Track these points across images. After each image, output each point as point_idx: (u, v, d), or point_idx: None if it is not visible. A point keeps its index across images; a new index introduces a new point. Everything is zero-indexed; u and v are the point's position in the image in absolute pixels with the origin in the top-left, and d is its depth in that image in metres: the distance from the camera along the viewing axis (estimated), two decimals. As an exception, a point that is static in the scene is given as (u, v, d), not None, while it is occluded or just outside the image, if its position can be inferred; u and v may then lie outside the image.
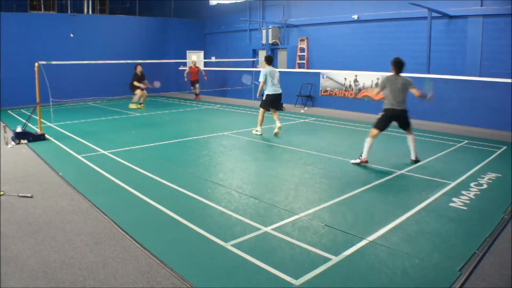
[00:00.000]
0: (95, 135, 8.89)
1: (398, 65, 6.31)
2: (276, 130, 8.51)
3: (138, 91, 13.08)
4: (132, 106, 13.36)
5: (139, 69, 13.21)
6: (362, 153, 6.28)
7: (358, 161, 6.26)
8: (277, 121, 8.55)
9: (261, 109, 8.46)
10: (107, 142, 8.06)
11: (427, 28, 11.23)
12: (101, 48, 16.48)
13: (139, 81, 13.12)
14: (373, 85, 11.85)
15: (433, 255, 3.39)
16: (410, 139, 6.48)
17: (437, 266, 3.23)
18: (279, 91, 8.40)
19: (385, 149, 7.49)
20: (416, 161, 6.43)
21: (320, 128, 9.89)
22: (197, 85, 16.17)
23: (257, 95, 8.74)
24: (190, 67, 16.05)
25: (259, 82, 8.49)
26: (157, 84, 13.71)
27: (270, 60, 8.48)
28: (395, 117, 6.32)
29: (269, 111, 8.56)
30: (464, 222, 4.13)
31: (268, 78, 8.24)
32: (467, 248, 3.51)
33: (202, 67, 17.06)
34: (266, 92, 8.30)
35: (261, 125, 8.43)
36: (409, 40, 12.43)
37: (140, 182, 5.42)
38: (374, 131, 6.27)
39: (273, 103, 8.45)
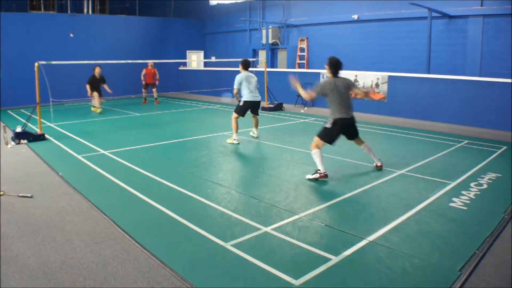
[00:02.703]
0: (95, 135, 8.89)
1: (337, 66, 5.57)
2: (252, 134, 8.47)
3: (95, 94, 12.37)
4: (98, 110, 12.49)
5: (97, 70, 12.36)
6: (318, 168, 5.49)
7: (317, 176, 5.42)
8: (255, 128, 8.40)
9: (235, 114, 7.83)
10: (107, 142, 8.06)
11: (427, 28, 11.23)
12: (101, 48, 16.47)
13: (93, 85, 12.25)
14: (373, 85, 11.86)
15: (433, 255, 3.39)
16: (366, 146, 5.96)
17: (437, 266, 3.23)
18: (258, 98, 7.94)
19: (385, 149, 7.49)
20: (381, 166, 5.95)
21: (320, 128, 9.87)
22: (154, 89, 14.75)
23: (235, 98, 8.14)
24: (146, 68, 14.59)
25: (233, 89, 7.94)
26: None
27: (246, 65, 7.91)
28: (346, 128, 5.62)
29: (243, 116, 7.98)
30: (464, 222, 4.12)
31: (244, 84, 7.74)
32: (467, 248, 3.51)
33: (202, 67, 16.94)
34: (243, 99, 7.79)
35: (236, 132, 7.81)
36: (409, 40, 12.44)
37: (140, 182, 5.42)
38: (320, 142, 5.57)
39: (251, 109, 8.00)
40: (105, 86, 12.62)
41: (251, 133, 8.51)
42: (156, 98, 14.91)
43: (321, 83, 5.59)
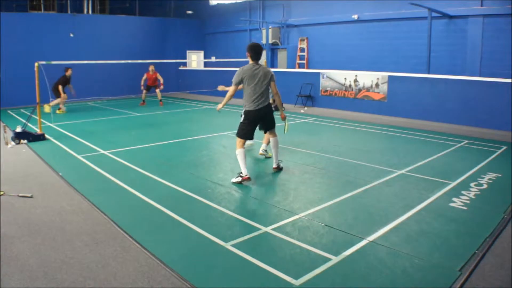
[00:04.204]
0: (95, 135, 8.88)
1: (256, 50, 5.35)
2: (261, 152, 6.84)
3: (62, 95, 12.23)
4: (53, 110, 12.16)
5: (69, 72, 12.25)
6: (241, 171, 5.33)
7: (239, 179, 5.28)
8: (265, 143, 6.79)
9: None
10: (107, 142, 8.06)
11: (427, 28, 11.24)
12: (101, 48, 16.47)
13: (64, 86, 12.17)
14: (373, 85, 11.85)
15: (433, 255, 3.39)
16: (274, 142, 5.75)
17: (437, 266, 3.23)
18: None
19: (385, 149, 7.50)
20: (279, 169, 5.85)
21: (320, 128, 9.89)
22: (157, 91, 14.34)
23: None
24: (147, 73, 14.15)
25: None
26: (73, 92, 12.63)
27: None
28: (260, 119, 5.50)
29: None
30: (464, 222, 4.13)
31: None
32: (467, 248, 3.51)
33: (202, 67, 16.87)
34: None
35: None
36: (409, 40, 12.44)
37: (140, 182, 5.42)
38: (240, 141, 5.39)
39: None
40: (70, 87, 12.45)
41: (263, 152, 6.93)
42: (160, 100, 14.47)
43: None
